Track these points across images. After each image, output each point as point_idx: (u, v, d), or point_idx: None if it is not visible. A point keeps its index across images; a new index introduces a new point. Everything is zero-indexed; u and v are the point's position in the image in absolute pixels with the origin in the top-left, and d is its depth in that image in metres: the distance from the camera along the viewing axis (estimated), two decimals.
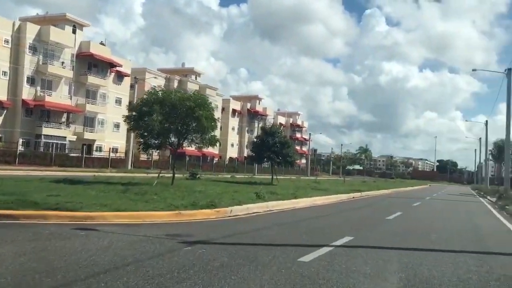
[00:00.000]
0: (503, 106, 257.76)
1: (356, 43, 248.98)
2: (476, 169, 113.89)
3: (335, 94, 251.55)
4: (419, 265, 6.15)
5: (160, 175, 23.41)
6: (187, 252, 6.22)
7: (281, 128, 30.47)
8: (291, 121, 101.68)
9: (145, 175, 30.14)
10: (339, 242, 7.81)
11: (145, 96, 19.26)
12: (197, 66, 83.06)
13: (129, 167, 43.61)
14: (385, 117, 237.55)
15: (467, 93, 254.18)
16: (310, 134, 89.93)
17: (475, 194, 45.01)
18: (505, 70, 27.19)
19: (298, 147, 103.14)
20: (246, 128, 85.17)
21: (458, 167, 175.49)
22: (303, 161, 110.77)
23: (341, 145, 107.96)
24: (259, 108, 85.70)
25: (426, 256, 7.08)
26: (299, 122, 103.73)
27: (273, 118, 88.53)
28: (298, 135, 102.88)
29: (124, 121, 21.79)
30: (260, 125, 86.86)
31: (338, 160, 50.55)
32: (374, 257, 6.59)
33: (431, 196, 31.42)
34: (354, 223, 11.52)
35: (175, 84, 63.11)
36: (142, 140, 20.15)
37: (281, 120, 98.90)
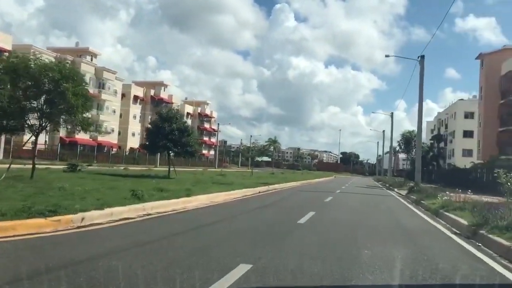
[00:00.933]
0: (401, 104, 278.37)
1: (266, 37, 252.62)
2: (376, 161, 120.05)
3: (245, 87, 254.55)
4: None
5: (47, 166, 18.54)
6: None
7: (179, 113, 26.40)
8: (199, 111, 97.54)
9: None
10: (226, 284, 4.49)
11: None
12: (102, 51, 75.35)
13: (1, 156, 36.87)
14: (292, 111, 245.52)
15: (368, 90, 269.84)
16: (218, 124, 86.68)
17: (381, 186, 44.94)
18: (418, 57, 26.09)
19: (206, 138, 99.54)
20: (150, 117, 79.28)
21: (360, 159, 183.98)
22: (212, 152, 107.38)
23: (250, 136, 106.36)
24: (164, 95, 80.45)
25: None
26: (207, 112, 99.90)
27: (178, 106, 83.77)
28: (206, 125, 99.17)
29: None
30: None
31: (247, 151, 48.44)
32: None
33: (341, 189, 29.75)
34: (255, 235, 8.25)
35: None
36: None
37: (189, 109, 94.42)
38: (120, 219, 9.17)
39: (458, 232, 10.21)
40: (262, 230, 8.92)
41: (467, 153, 67.13)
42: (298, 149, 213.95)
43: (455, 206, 13.94)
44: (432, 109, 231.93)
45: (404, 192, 27.83)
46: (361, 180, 64.67)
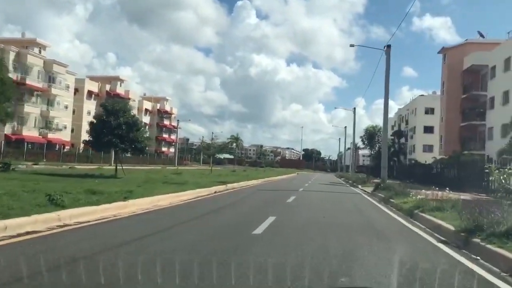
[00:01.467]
0: (361, 102, 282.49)
1: (228, 34, 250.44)
2: (338, 158, 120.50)
3: (207, 84, 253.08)
4: None
5: None
6: None
7: (127, 105, 23.87)
8: (158, 107, 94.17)
9: None
10: None
11: None
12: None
13: None
14: (255, 108, 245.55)
15: (328, 87, 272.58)
16: (178, 121, 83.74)
17: (344, 182, 43.82)
18: (384, 47, 24.75)
19: (166, 135, 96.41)
20: None
21: (322, 156, 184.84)
22: (172, 150, 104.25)
23: (212, 133, 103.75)
24: (120, 90, 76.78)
25: None
26: (167, 108, 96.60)
27: (133, 101, 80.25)
28: (166, 122, 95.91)
29: None
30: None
31: (207, 148, 46.60)
32: None
33: (304, 187, 28.13)
34: (197, 255, 6.15)
35: (11, 57, 51.82)
36: None
37: (148, 105, 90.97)
38: (19, 234, 6.95)
39: (444, 239, 8.53)
40: (207, 247, 6.85)
41: (428, 148, 67.45)
42: (261, 146, 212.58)
43: (431, 206, 12.39)
44: (390, 107, 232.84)
45: (369, 189, 26.49)
46: (323, 177, 63.65)
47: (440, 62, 49.28)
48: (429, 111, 65.67)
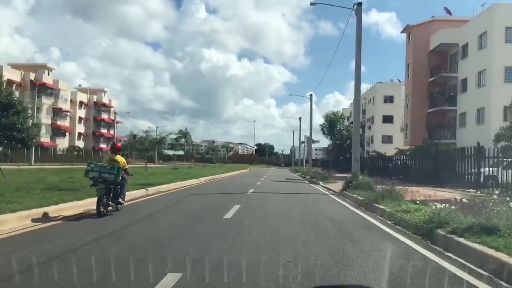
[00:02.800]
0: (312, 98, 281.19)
1: (177, 28, 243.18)
2: (293, 151, 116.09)
3: (156, 79, 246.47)
4: None
5: None
6: None
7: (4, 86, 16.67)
8: (95, 99, 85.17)
9: None
10: None
11: None
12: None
13: None
14: (207, 104, 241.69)
15: (280, 83, 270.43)
16: (115, 113, 75.33)
17: (301, 178, 38.29)
18: (353, 5, 19.00)
19: (104, 130, 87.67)
20: (30, 105, 66.42)
21: (275, 150, 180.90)
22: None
23: (156, 127, 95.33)
24: (47, 79, 67.48)
25: None
26: (105, 101, 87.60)
27: (65, 91, 71.30)
28: (104, 115, 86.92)
29: None
30: (51, 101, 69.26)
31: (141, 143, 41.37)
32: None
33: (255, 187, 22.07)
34: None
35: None
36: None
37: (83, 97, 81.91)
38: None
39: None
40: None
41: (388, 139, 63.43)
42: (213, 141, 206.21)
43: (467, 224, 6.76)
44: (340, 100, 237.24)
45: (335, 188, 20.86)
46: (278, 172, 58.21)
47: (400, 47, 44.77)
48: (388, 99, 61.61)
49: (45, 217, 8.78)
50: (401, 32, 42.92)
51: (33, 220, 8.39)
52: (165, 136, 37.33)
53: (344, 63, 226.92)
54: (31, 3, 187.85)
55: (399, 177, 25.96)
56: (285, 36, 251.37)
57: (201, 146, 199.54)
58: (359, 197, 14.18)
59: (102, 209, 9.31)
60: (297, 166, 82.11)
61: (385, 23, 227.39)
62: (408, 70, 42.20)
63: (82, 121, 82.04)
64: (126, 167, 10.69)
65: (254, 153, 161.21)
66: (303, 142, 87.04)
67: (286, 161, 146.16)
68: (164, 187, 18.25)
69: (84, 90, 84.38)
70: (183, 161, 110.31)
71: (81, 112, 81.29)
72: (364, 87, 65.46)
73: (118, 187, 10.11)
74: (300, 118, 63.29)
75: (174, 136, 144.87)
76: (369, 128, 65.16)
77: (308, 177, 37.30)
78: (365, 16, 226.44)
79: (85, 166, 10.08)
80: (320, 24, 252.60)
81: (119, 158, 10.50)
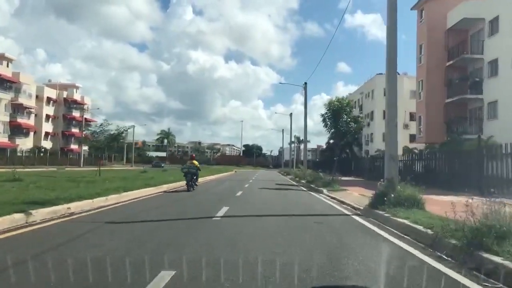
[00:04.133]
0: (298, 97, 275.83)
1: (165, 30, 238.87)
2: (286, 151, 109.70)
3: (143, 81, 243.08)
4: None
5: None
6: None
7: None
8: (65, 95, 77.38)
9: None
10: None
11: None
12: None
13: None
14: (194, 105, 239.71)
15: (267, 84, 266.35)
16: (83, 110, 67.58)
17: (295, 183, 31.49)
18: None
19: (76, 130, 79.93)
20: None
21: (263, 151, 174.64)
22: (86, 147, 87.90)
23: (134, 126, 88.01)
24: (5, 71, 59.50)
25: None
26: (76, 97, 79.79)
27: (24, 85, 63.13)
28: (76, 113, 79.01)
29: None
30: (9, 96, 61.37)
31: (95, 140, 36.28)
32: None
33: (232, 201, 15.00)
34: None
35: None
36: None
37: (51, 93, 74.20)
38: None
39: None
40: None
41: None
42: (199, 143, 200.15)
43: None
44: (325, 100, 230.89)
45: (352, 200, 14.10)
46: (266, 175, 51.48)
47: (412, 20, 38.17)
48: None
49: (170, 188, 20.40)
50: (412, 8, 36.26)
51: (165, 191, 18.93)
52: (123, 131, 30.31)
53: (332, 64, 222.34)
54: (13, 3, 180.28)
55: (420, 182, 19.27)
56: (271, 37, 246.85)
57: (187, 147, 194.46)
58: (427, 231, 7.28)
59: (188, 187, 19.45)
60: (287, 167, 75.71)
61: (371, 25, 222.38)
62: (420, 53, 35.54)
63: (50, 119, 74.20)
64: (198, 166, 20.48)
65: (241, 154, 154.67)
66: (293, 142, 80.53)
67: (275, 162, 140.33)
68: (80, 205, 11.15)
69: (53, 86, 76.63)
70: (165, 162, 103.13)
71: (49, 109, 73.49)
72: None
73: (195, 176, 19.92)
74: (291, 114, 56.81)
75: (156, 137, 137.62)
76: (368, 125, 58.61)
77: (303, 181, 30.49)
78: (351, 17, 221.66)
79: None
80: (306, 25, 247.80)
81: (195, 162, 20.19)
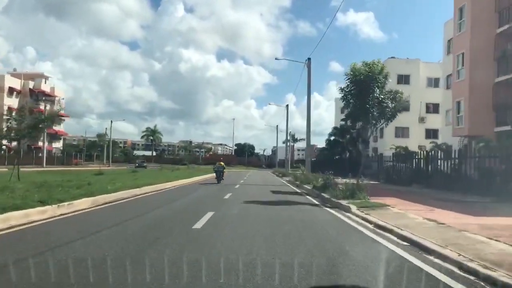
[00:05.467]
0: (291, 97, 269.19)
1: (157, 29, 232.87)
2: (272, 152, 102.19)
3: (134, 80, 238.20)
4: None
5: None
6: None
7: None
8: (31, 86, 68.51)
9: None
10: None
11: None
12: None
13: None
14: (186, 105, 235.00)
15: (259, 84, 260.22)
16: (44, 99, 58.76)
17: (296, 188, 23.50)
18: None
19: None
20: None
21: (256, 150, 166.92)
22: (58, 145, 79.20)
23: (106, 129, 79.42)
24: None
25: None
26: (45, 88, 70.88)
27: None
28: (47, 107, 70.11)
29: None
30: None
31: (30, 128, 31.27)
32: None
33: (193, 236, 6.96)
34: None
35: None
36: None
37: (15, 83, 65.46)
38: None
39: None
40: None
41: (403, 132, 49.08)
42: (190, 142, 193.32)
43: None
44: (319, 101, 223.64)
45: (442, 240, 5.80)
46: (259, 176, 43.32)
47: None
48: (404, 79, 46.94)
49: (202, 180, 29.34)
50: None
51: (199, 183, 26.93)
52: (50, 117, 22.25)
53: (323, 64, 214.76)
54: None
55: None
56: (263, 36, 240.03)
57: (178, 146, 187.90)
58: None
59: (218, 180, 25.49)
60: (282, 168, 67.87)
61: (363, 24, 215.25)
62: (460, 18, 27.36)
63: (13, 112, 65.32)
64: (224, 166, 26.55)
65: (233, 153, 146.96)
66: (288, 140, 72.64)
67: (268, 162, 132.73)
68: None
69: (17, 75, 67.81)
70: (152, 162, 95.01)
71: (11, 101, 64.64)
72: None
73: (221, 174, 26.01)
74: (287, 106, 49.13)
75: (141, 134, 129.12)
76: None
77: (306, 186, 22.33)
78: (343, 16, 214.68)
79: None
80: (298, 23, 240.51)
81: (222, 163, 26.67)
